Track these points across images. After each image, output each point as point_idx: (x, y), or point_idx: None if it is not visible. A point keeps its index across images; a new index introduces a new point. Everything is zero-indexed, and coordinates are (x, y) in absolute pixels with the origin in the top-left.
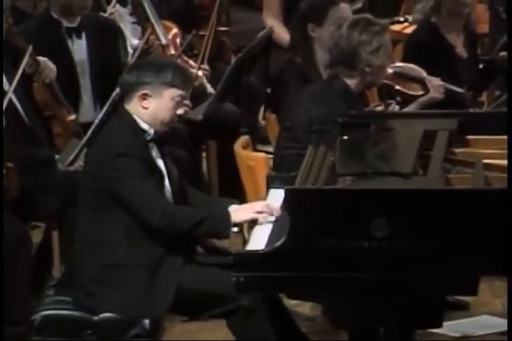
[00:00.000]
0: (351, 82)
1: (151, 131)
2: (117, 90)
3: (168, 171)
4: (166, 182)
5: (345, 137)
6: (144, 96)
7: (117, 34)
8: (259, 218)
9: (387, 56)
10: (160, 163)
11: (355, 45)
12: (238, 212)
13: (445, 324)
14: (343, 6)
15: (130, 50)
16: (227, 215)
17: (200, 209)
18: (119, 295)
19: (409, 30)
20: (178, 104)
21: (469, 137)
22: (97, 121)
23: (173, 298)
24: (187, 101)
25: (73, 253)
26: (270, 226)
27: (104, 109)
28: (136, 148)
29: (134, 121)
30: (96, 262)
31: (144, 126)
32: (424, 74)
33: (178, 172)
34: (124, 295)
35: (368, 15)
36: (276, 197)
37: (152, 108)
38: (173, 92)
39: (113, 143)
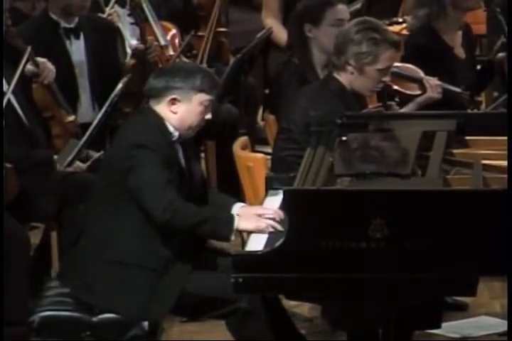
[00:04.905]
0: (343, 80)
1: (176, 134)
2: (116, 91)
3: (190, 173)
4: (186, 183)
5: (344, 138)
6: (173, 101)
7: (116, 35)
8: (263, 229)
9: (374, 67)
10: (183, 163)
11: (347, 40)
12: (243, 220)
13: (444, 325)
14: (340, 6)
15: (129, 51)
16: (232, 219)
17: (206, 209)
18: (120, 294)
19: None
20: (206, 109)
21: (468, 138)
22: (95, 122)
23: (174, 303)
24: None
25: (76, 251)
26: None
27: (103, 109)
28: (159, 144)
29: (162, 123)
30: (101, 257)
31: (171, 128)
32: (421, 74)
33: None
34: (125, 294)
35: (381, 24)
36: (275, 197)
37: (181, 112)
38: (202, 97)
39: (134, 137)
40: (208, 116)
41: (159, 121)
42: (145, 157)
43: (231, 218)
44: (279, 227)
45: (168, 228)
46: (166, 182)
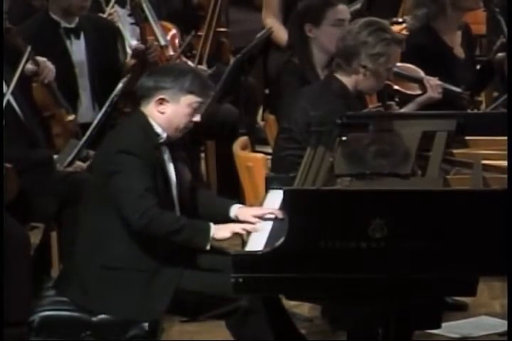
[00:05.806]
0: (347, 81)
1: (164, 135)
2: (116, 91)
3: (178, 176)
4: (173, 186)
5: (344, 138)
6: (161, 101)
7: (116, 35)
8: (240, 232)
9: (386, 67)
10: (170, 167)
11: (359, 43)
12: (220, 229)
13: (444, 325)
14: (341, 7)
15: (129, 51)
16: (208, 229)
17: (184, 218)
18: (116, 297)
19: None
20: (195, 111)
21: (468, 138)
22: (95, 122)
23: (170, 302)
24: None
25: (73, 254)
26: (269, 227)
27: (103, 109)
28: (143, 149)
29: (149, 124)
30: (96, 263)
31: (158, 129)
32: (421, 73)
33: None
34: (121, 297)
35: (387, 23)
36: (275, 197)
37: (168, 113)
38: (191, 99)
39: (120, 141)
40: (197, 118)
41: (146, 122)
42: (127, 163)
43: (208, 228)
44: (257, 229)
45: (146, 235)
46: (145, 189)
